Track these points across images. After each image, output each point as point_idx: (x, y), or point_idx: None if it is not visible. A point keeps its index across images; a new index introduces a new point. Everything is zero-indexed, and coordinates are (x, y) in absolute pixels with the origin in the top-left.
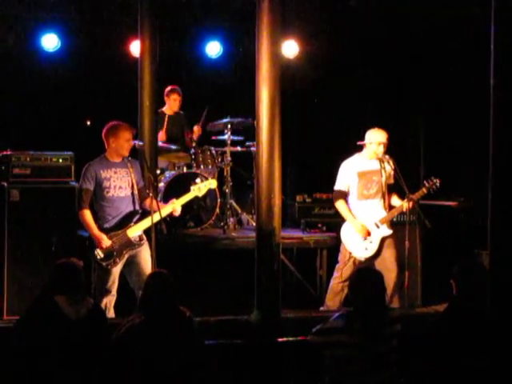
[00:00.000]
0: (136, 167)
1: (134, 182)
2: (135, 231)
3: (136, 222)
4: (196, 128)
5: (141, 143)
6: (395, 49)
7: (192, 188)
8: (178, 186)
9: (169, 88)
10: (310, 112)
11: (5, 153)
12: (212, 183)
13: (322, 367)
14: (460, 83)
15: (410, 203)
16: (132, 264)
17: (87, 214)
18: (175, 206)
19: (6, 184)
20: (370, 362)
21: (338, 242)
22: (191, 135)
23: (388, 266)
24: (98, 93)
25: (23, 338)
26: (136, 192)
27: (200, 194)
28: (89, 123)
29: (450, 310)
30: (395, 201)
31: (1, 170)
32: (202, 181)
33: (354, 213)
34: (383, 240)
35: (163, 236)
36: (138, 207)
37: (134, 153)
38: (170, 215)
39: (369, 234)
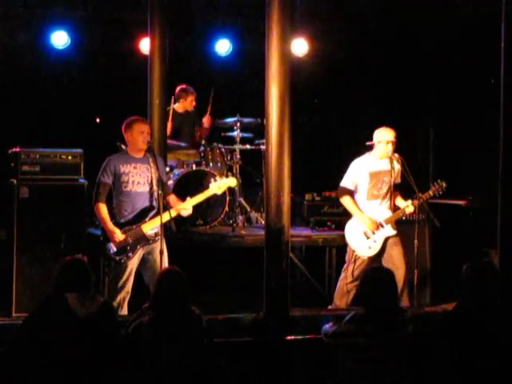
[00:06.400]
0: (159, 163)
1: (153, 177)
2: (150, 227)
3: (151, 218)
4: (205, 119)
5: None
6: (405, 48)
7: (211, 186)
8: (187, 184)
9: (184, 87)
10: (320, 110)
11: (14, 150)
12: (231, 181)
13: (334, 367)
14: (470, 83)
15: (413, 208)
16: (147, 261)
17: (102, 208)
18: (187, 204)
19: (15, 181)
20: (382, 364)
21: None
22: (201, 131)
23: (396, 264)
24: (108, 90)
25: (31, 334)
26: (155, 188)
27: (219, 192)
28: (98, 120)
29: (458, 309)
30: (399, 201)
31: (10, 167)
32: (221, 178)
33: None
34: (388, 239)
35: (172, 233)
36: (155, 203)
37: None
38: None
39: (377, 227)
